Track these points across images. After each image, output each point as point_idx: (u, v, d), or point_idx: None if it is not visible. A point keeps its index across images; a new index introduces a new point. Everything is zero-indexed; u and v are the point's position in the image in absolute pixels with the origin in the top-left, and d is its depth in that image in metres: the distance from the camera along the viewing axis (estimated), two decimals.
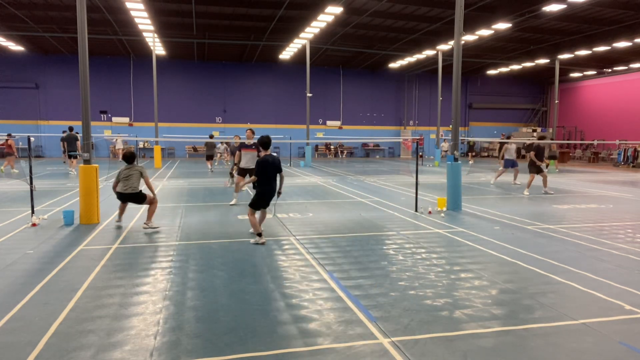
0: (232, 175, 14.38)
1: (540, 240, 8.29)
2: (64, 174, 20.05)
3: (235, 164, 11.94)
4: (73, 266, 6.50)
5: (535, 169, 14.49)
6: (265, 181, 7.79)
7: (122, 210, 9.30)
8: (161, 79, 29.53)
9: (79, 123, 10.50)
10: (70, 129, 20.82)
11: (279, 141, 31.88)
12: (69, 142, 20.51)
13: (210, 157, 22.09)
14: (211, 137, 22.44)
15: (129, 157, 9.06)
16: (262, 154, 7.97)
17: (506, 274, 6.28)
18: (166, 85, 32.53)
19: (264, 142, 7.94)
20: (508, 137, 17.66)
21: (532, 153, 14.48)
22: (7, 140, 19.89)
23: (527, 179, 14.99)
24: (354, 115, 37.64)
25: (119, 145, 29.33)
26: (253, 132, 11.69)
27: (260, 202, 7.96)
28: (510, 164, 16.86)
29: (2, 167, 20.11)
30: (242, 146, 11.55)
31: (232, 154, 17.43)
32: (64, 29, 25.53)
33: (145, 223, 8.99)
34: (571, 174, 22.13)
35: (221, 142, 25.10)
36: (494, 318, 4.78)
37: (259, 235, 7.88)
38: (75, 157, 20.88)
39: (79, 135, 14.04)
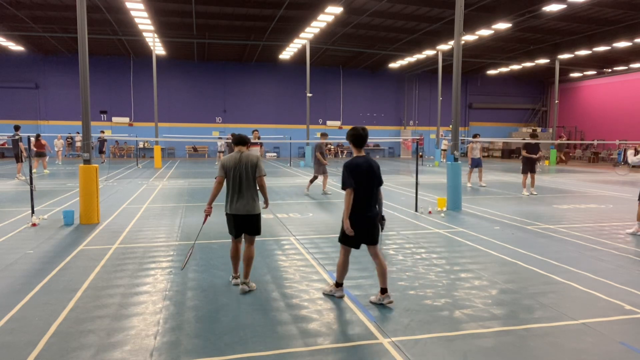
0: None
1: (541, 240, 8.28)
2: (64, 174, 20.04)
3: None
4: (73, 266, 6.50)
5: (527, 168, 14.45)
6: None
7: None
8: (161, 79, 29.50)
9: (79, 123, 10.50)
10: (16, 128, 17.62)
11: (279, 141, 31.86)
12: (14, 145, 17.78)
13: None
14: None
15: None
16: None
17: (506, 274, 6.27)
18: (166, 85, 32.52)
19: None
20: (474, 136, 16.83)
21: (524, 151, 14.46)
22: (38, 140, 18.91)
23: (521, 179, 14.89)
24: (354, 115, 37.59)
25: (58, 147, 26.49)
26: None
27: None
28: (475, 164, 16.42)
29: (45, 169, 19.84)
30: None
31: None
32: (64, 29, 25.53)
33: None
34: (571, 174, 22.12)
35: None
36: (494, 318, 4.78)
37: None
38: (21, 161, 17.74)
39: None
